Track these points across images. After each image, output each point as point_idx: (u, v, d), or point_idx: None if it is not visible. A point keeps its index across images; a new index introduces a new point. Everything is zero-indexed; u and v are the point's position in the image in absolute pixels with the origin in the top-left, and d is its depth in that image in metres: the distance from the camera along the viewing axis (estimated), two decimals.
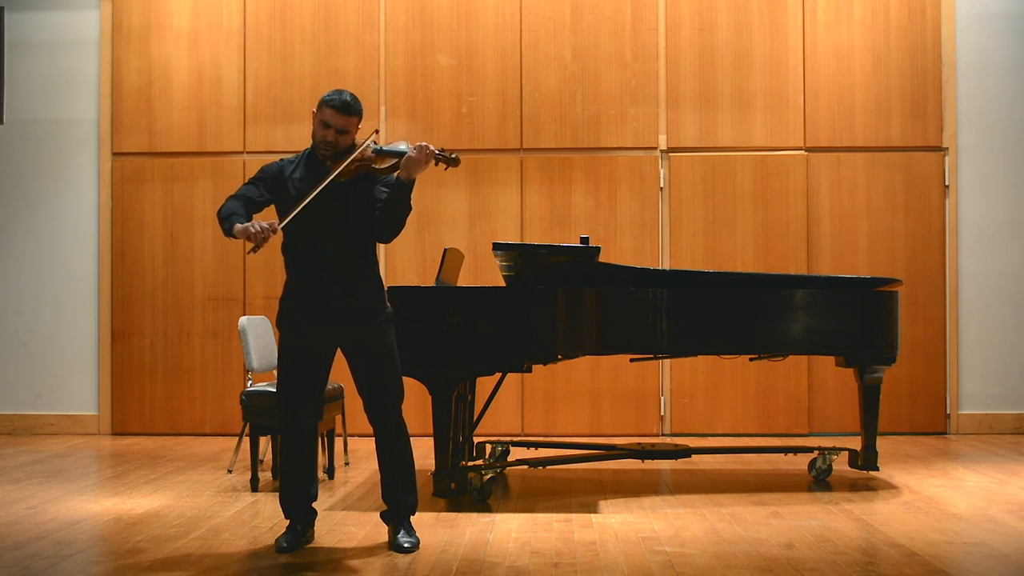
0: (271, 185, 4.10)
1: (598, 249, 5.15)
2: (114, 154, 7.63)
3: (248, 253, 4.02)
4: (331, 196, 3.98)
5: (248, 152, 7.55)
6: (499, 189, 7.44)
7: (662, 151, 7.45)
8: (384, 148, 4.09)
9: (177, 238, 7.56)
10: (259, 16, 7.59)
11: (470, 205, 7.40)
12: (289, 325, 4.11)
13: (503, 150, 7.47)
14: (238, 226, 3.90)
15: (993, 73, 7.45)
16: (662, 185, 7.43)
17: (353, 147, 4.08)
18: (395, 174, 4.04)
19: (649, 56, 7.47)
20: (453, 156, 4.10)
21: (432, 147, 4.00)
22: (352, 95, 4.08)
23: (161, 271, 7.56)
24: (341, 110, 4.02)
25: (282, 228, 3.94)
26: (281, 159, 4.22)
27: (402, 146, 4.09)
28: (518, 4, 7.49)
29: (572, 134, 7.46)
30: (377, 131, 4.58)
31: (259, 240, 3.83)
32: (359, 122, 4.10)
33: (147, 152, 7.62)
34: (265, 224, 3.84)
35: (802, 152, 7.43)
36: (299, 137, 7.47)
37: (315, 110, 4.09)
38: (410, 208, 4.06)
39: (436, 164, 4.08)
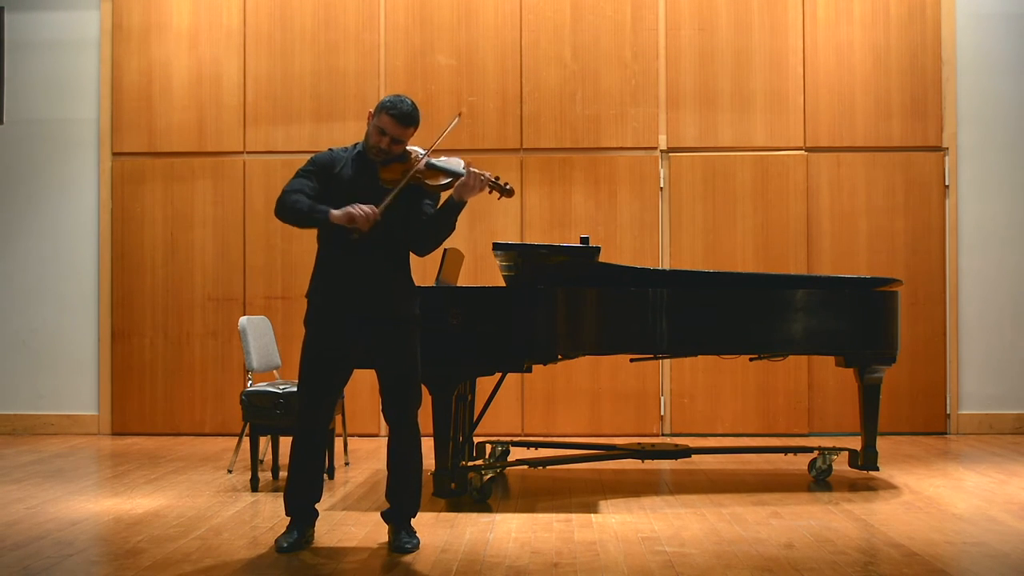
0: (321, 177, 4.05)
1: (598, 249, 5.15)
2: (114, 154, 7.63)
3: (354, 239, 3.91)
4: (377, 200, 3.96)
5: (248, 152, 7.55)
6: None
7: (662, 151, 7.44)
8: (437, 164, 4.06)
9: (177, 238, 7.56)
10: (259, 16, 7.59)
11: (470, 205, 7.28)
12: (319, 323, 4.08)
13: (503, 150, 7.47)
14: (336, 212, 3.89)
15: (993, 73, 7.45)
16: (662, 185, 7.43)
17: (405, 154, 4.06)
18: (444, 193, 4.05)
19: (649, 56, 7.47)
20: (507, 187, 4.08)
21: (487, 175, 4.01)
22: (412, 104, 4.03)
23: (161, 271, 7.56)
24: (400, 120, 3.99)
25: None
26: (331, 149, 4.18)
27: (456, 164, 4.06)
28: (518, 4, 7.49)
29: (572, 134, 7.46)
30: (460, 114, 4.50)
31: (369, 225, 3.84)
32: (415, 131, 4.07)
33: (147, 152, 7.62)
34: (370, 208, 3.85)
35: (802, 152, 7.43)
36: (299, 137, 7.48)
37: (372, 112, 4.05)
38: (454, 228, 4.09)
39: (490, 192, 4.08)
